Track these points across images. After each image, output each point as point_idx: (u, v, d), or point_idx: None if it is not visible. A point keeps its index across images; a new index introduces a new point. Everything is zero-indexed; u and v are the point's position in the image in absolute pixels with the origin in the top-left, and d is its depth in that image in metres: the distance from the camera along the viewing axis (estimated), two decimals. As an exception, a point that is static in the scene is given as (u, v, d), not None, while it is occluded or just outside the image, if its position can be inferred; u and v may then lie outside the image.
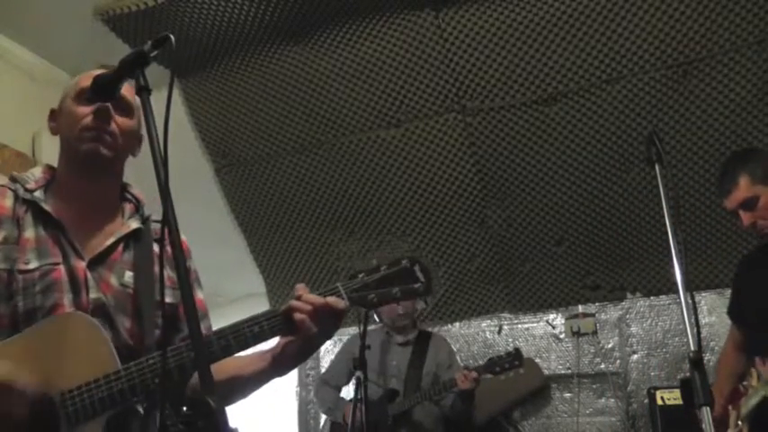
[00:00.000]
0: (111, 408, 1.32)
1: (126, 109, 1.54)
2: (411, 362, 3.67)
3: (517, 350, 3.53)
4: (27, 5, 3.49)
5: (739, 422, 2.36)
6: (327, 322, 1.39)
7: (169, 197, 1.14)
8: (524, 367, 3.68)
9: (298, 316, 1.36)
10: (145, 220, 1.60)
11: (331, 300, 1.38)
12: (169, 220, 1.13)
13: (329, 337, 1.43)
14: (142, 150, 1.56)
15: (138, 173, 1.65)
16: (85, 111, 1.50)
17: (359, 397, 3.09)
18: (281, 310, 1.39)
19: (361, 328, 3.20)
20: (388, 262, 1.44)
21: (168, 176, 1.16)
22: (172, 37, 1.22)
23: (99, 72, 1.54)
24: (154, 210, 1.61)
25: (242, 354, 1.47)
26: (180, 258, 1.14)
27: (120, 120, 1.52)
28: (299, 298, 1.39)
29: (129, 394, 1.32)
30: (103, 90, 1.39)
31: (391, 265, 1.43)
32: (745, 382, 2.46)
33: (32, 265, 1.42)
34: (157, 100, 1.21)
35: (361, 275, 1.42)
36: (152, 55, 1.25)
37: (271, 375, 1.49)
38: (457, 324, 4.50)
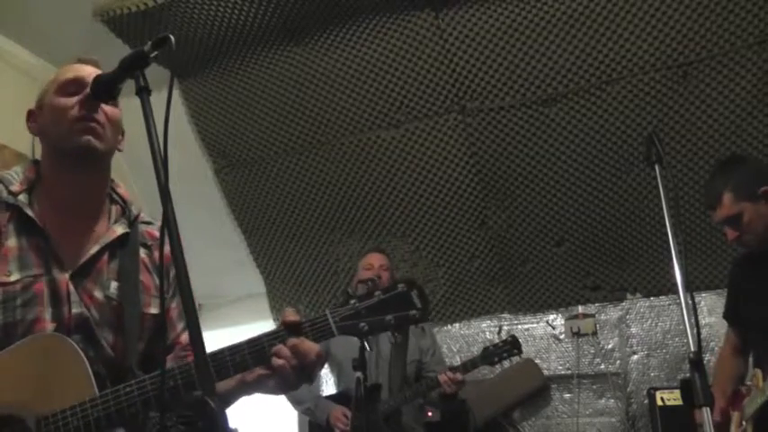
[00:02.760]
0: None
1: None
2: (393, 350, 3.48)
3: (513, 337, 3.42)
4: (27, 6, 3.49)
5: (743, 422, 2.35)
6: (306, 368, 1.32)
7: (169, 198, 1.13)
8: (526, 366, 3.65)
9: (277, 361, 1.30)
10: (132, 222, 1.55)
11: (308, 347, 1.31)
12: (169, 221, 1.12)
13: (311, 381, 1.35)
14: (142, 151, 1.55)
15: (138, 173, 1.64)
16: (71, 101, 1.45)
17: (358, 399, 3.03)
18: (269, 350, 1.32)
19: None
20: (383, 287, 1.38)
21: (168, 177, 1.15)
22: (172, 37, 1.21)
23: (83, 66, 1.52)
24: (154, 211, 1.59)
25: None
26: (180, 261, 1.12)
27: (107, 108, 1.47)
28: (285, 323, 1.33)
29: (104, 423, 1.27)
30: (103, 90, 1.38)
31: (387, 290, 1.36)
32: (748, 382, 2.45)
33: (14, 277, 1.38)
34: (157, 101, 1.21)
35: (353, 302, 1.35)
36: (152, 55, 1.24)
37: (236, 397, 1.43)
38: (457, 325, 4.49)
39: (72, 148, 1.44)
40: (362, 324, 1.33)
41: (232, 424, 1.05)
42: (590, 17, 3.45)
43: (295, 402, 3.64)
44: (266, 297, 4.75)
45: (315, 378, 1.36)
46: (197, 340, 1.09)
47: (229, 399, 1.42)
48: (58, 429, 1.27)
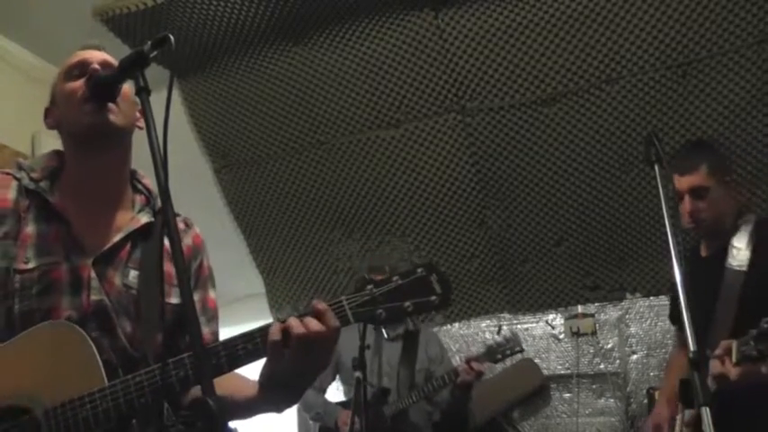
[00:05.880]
0: (96, 427, 1.25)
1: None
2: (402, 358, 3.57)
3: (515, 334, 3.49)
4: (27, 6, 3.48)
5: (684, 428, 2.36)
6: (324, 338, 1.25)
7: (169, 198, 1.13)
8: (526, 366, 3.66)
9: (297, 329, 1.24)
10: (156, 213, 1.52)
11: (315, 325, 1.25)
12: (169, 220, 1.13)
13: (327, 362, 1.30)
14: (142, 151, 1.55)
15: (137, 173, 1.64)
16: (78, 84, 1.44)
17: (358, 399, 3.04)
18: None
19: (360, 327, 3.14)
20: (401, 271, 1.30)
21: (168, 177, 1.15)
22: (171, 37, 1.21)
23: (84, 52, 1.53)
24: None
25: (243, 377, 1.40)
26: (179, 260, 1.12)
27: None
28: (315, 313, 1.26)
29: (113, 413, 1.25)
30: (103, 91, 1.38)
31: (405, 274, 1.29)
32: None
33: (31, 264, 1.37)
34: (157, 100, 1.21)
35: (369, 287, 1.28)
36: (151, 55, 1.24)
37: (260, 407, 1.39)
38: (456, 324, 4.49)
39: (85, 126, 1.42)
40: (380, 311, 1.27)
41: (232, 424, 1.06)
42: (590, 17, 3.45)
43: (305, 408, 3.74)
44: (266, 297, 4.75)
45: (329, 362, 1.31)
46: (196, 340, 1.09)
47: (252, 408, 1.39)
48: (67, 420, 1.24)
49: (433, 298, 1.28)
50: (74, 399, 1.25)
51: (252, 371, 1.39)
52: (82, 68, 1.47)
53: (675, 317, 2.69)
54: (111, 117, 1.41)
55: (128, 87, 1.47)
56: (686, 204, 2.41)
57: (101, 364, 1.29)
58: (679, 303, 2.54)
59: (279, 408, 1.40)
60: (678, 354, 2.71)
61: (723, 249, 2.40)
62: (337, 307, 1.27)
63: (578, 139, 3.76)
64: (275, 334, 1.24)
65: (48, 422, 1.25)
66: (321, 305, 1.26)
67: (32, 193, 1.44)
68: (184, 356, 1.27)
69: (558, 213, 4.00)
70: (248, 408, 1.41)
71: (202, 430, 1.02)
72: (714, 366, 2.03)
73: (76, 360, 1.29)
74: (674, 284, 2.57)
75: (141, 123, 1.52)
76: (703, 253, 2.53)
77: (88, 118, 1.41)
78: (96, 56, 1.51)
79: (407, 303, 1.27)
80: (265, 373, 1.32)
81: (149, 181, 1.58)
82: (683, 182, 2.42)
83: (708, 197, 2.39)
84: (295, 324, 1.24)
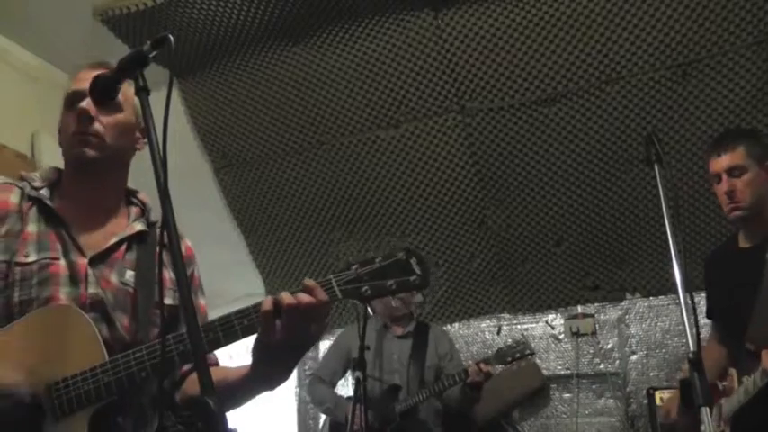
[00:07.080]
0: (98, 401, 1.31)
1: (110, 105, 1.50)
2: (412, 355, 3.61)
3: (525, 339, 3.50)
4: (27, 5, 3.48)
5: (721, 422, 2.34)
6: (318, 308, 1.30)
7: (168, 198, 1.13)
8: (526, 366, 3.66)
9: (287, 299, 1.29)
10: (151, 225, 1.60)
11: (305, 298, 1.30)
12: (168, 220, 1.13)
13: (320, 332, 1.35)
14: (142, 151, 1.57)
15: (137, 174, 1.65)
16: (71, 118, 1.52)
17: (358, 398, 3.06)
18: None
19: (361, 324, 3.15)
20: (383, 254, 1.38)
21: (167, 177, 1.15)
22: (171, 37, 1.21)
23: (89, 72, 1.52)
24: (155, 209, 1.61)
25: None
26: (178, 259, 1.13)
27: (104, 119, 1.51)
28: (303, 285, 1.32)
29: (115, 387, 1.31)
30: (103, 91, 1.38)
31: (386, 257, 1.37)
32: (725, 383, 2.43)
33: (31, 258, 1.43)
34: (157, 100, 1.21)
35: (354, 267, 1.36)
36: (151, 55, 1.24)
37: (253, 384, 1.42)
38: (456, 324, 4.50)
39: (71, 159, 1.54)
40: (365, 288, 1.35)
41: (231, 424, 1.05)
42: (590, 17, 3.45)
43: (317, 403, 3.84)
44: (265, 297, 4.74)
45: (320, 336, 1.37)
46: (196, 340, 1.09)
47: (247, 388, 1.42)
48: (69, 395, 1.30)
49: (414, 278, 1.36)
50: (75, 374, 1.31)
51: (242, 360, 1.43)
52: (76, 99, 1.53)
53: (710, 310, 2.64)
54: (91, 153, 1.49)
55: (122, 116, 1.53)
56: (723, 184, 2.37)
57: (101, 341, 1.35)
58: (715, 298, 2.54)
59: (271, 384, 1.43)
60: (709, 348, 2.61)
61: (764, 241, 2.33)
62: (326, 284, 1.34)
63: (578, 139, 3.77)
64: (267, 304, 1.29)
65: (50, 397, 1.30)
66: (311, 282, 1.32)
67: (34, 199, 1.52)
68: (183, 332, 1.32)
69: (558, 213, 4.00)
70: (243, 387, 1.43)
71: (202, 430, 1.02)
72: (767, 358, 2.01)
73: (77, 338, 1.35)
74: (705, 279, 2.58)
75: (141, 145, 1.61)
76: (742, 244, 2.46)
77: (72, 151, 1.52)
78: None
79: (390, 282, 1.36)
80: (258, 345, 1.35)
81: (145, 196, 1.67)
82: (720, 162, 2.38)
83: (745, 177, 2.34)
84: (286, 296, 1.30)
